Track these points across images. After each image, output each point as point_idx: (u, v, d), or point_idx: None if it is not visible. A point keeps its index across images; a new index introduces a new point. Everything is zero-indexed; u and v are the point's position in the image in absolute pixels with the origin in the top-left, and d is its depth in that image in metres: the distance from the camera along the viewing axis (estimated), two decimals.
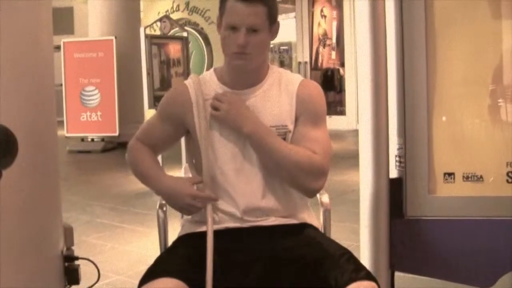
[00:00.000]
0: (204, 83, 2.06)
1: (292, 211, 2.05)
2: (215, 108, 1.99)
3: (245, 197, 1.98)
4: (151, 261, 1.94)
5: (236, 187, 1.99)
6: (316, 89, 2.08)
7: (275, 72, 2.08)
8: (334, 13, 12.35)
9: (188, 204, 1.97)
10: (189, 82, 2.09)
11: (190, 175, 2.16)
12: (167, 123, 2.10)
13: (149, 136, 2.14)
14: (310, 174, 1.96)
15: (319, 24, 12.46)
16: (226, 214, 2.00)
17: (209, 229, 1.92)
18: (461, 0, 2.70)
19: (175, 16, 12.05)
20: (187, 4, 12.69)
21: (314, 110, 2.03)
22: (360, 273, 1.80)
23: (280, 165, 1.96)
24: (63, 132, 9.65)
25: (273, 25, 1.98)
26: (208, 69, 11.05)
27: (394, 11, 2.67)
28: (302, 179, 1.97)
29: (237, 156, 2.00)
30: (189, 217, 2.11)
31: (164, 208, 2.16)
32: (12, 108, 2.15)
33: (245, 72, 2.01)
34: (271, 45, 2.31)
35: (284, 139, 2.00)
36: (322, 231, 2.16)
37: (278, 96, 2.03)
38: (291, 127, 2.01)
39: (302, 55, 12.46)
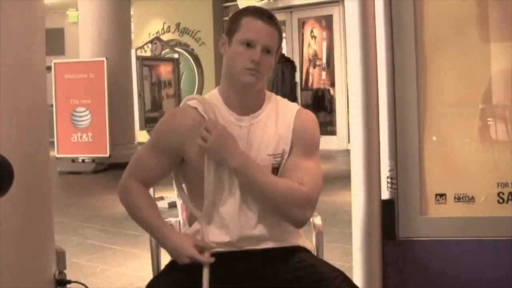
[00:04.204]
0: (213, 106, 2.00)
1: (284, 237, 2.05)
2: (202, 138, 1.93)
3: (239, 226, 1.98)
4: (142, 283, 1.94)
5: (231, 214, 1.98)
6: (311, 120, 2.08)
7: (272, 99, 2.08)
8: (324, 33, 12.42)
9: (186, 262, 1.93)
10: (195, 103, 2.02)
11: (182, 201, 2.16)
12: (162, 154, 2.03)
13: (142, 169, 2.07)
14: (295, 205, 1.95)
15: (309, 44, 12.53)
16: (219, 241, 1.99)
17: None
18: (451, 23, 2.73)
19: (165, 37, 12.11)
20: (178, 25, 12.76)
21: (308, 140, 2.04)
22: None
23: (265, 196, 1.95)
24: (53, 153, 9.57)
25: (277, 53, 2.00)
26: (199, 90, 11.13)
27: (384, 33, 2.69)
28: (287, 209, 1.95)
29: (233, 184, 1.99)
30: None
31: None
32: (5, 131, 2.15)
33: (251, 92, 1.99)
34: None
35: (280, 165, 2.01)
36: (315, 253, 2.16)
37: (275, 125, 2.03)
38: (287, 149, 2.02)
39: None
